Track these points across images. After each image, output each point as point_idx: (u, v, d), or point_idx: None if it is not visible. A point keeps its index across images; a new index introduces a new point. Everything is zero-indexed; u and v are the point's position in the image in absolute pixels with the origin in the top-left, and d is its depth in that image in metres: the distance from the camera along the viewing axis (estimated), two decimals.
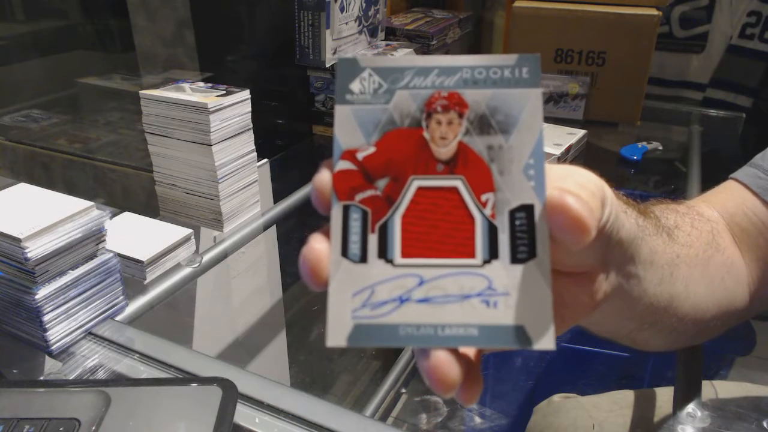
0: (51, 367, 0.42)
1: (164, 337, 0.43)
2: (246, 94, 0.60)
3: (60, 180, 0.71)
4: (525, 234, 0.19)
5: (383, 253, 0.19)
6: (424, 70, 0.20)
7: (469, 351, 0.20)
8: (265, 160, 0.69)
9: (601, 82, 0.94)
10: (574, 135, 0.84)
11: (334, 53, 0.86)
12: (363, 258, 0.19)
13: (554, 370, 0.71)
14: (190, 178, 0.60)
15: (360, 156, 0.19)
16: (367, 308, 0.18)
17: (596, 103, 0.94)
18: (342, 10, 0.85)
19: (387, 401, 0.56)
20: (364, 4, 0.90)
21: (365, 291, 0.18)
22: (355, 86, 0.20)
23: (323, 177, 0.19)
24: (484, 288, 0.18)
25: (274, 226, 0.69)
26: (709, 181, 0.45)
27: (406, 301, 0.18)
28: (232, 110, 0.58)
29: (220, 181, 0.59)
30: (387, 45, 0.98)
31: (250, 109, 0.60)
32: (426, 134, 0.19)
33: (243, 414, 0.36)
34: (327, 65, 0.86)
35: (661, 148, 0.90)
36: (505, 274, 0.18)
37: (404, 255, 0.19)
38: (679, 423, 0.38)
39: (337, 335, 0.18)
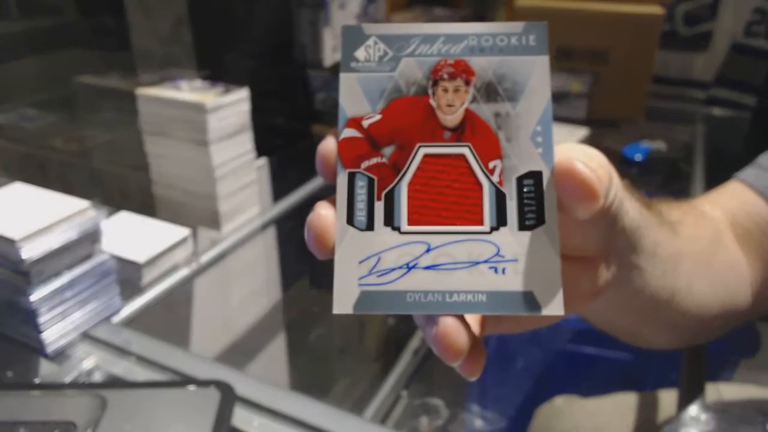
0: (47, 369, 0.41)
1: (161, 339, 0.43)
2: (244, 92, 0.59)
3: (56, 180, 0.71)
4: (533, 201, 0.18)
5: (390, 220, 0.19)
6: (430, 38, 0.20)
7: (473, 323, 0.20)
8: (264, 159, 0.69)
9: (604, 81, 0.93)
10: (576, 133, 0.84)
11: (334, 51, 0.85)
12: (369, 226, 0.19)
13: (556, 373, 0.70)
14: (187, 178, 0.59)
15: (366, 123, 0.19)
16: (373, 275, 0.18)
17: (599, 101, 0.94)
18: (341, 7, 0.84)
19: (387, 404, 0.55)
20: (363, 2, 0.90)
21: (372, 258, 0.18)
22: (361, 54, 0.20)
23: (329, 144, 0.19)
24: (492, 255, 0.18)
25: (273, 226, 0.68)
26: (714, 181, 0.44)
27: (413, 268, 0.18)
28: (230, 109, 0.58)
29: (218, 180, 0.58)
30: None
31: (248, 107, 0.60)
32: (432, 102, 0.19)
33: (241, 417, 0.36)
34: (326, 64, 0.85)
35: (664, 147, 0.90)
36: (513, 240, 0.18)
37: (411, 222, 0.19)
38: (682, 426, 0.38)
39: (343, 303, 0.18)
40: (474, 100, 0.19)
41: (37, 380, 0.41)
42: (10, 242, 0.38)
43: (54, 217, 0.40)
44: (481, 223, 0.19)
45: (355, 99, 0.19)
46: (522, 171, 0.19)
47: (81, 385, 0.39)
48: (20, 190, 0.44)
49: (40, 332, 0.40)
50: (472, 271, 0.18)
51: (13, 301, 0.40)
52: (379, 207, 0.19)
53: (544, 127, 0.19)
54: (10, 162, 0.72)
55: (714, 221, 0.37)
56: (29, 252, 0.38)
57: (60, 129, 0.74)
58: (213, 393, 0.35)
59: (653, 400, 0.50)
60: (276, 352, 0.76)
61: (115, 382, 0.39)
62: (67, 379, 0.40)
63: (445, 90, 0.19)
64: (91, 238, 0.42)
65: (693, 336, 0.37)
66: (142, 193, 0.65)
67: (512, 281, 0.18)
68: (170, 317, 0.57)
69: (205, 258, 0.56)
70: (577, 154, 0.19)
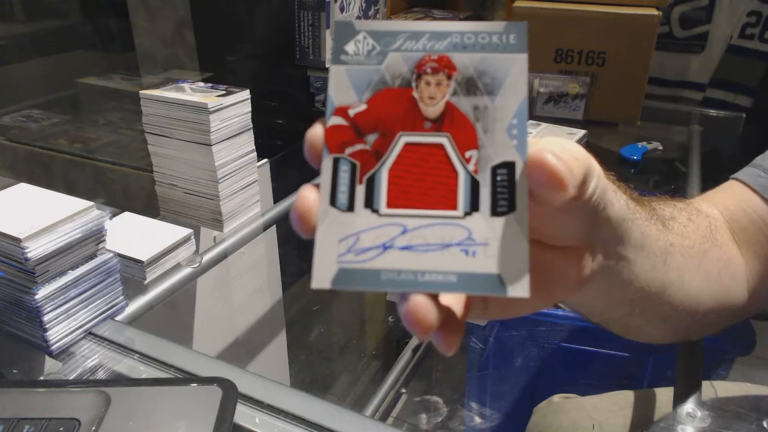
0: (51, 367, 0.42)
1: (164, 337, 0.43)
2: (246, 94, 0.60)
3: (60, 180, 0.71)
4: (505, 189, 0.20)
5: (369, 203, 0.20)
6: (416, 34, 0.21)
7: (455, 303, 0.21)
8: (265, 160, 0.69)
9: (601, 82, 0.94)
10: (574, 135, 0.84)
11: None
12: (350, 207, 0.20)
13: (554, 371, 0.71)
14: (190, 178, 0.60)
15: (351, 112, 0.20)
16: (351, 253, 0.19)
17: (596, 103, 0.94)
18: (342, 10, 0.85)
19: (387, 401, 0.56)
20: (364, 4, 0.90)
21: (351, 237, 0.19)
22: (350, 48, 0.21)
23: (316, 131, 0.20)
24: (464, 238, 0.19)
25: (274, 226, 0.69)
26: (710, 181, 0.45)
27: (389, 248, 0.19)
28: (232, 110, 0.58)
29: (220, 181, 0.59)
30: None
31: (250, 109, 0.60)
32: (415, 94, 0.20)
33: (243, 414, 0.36)
34: (327, 65, 0.86)
35: (661, 148, 0.90)
36: (484, 225, 0.19)
37: (389, 205, 0.20)
38: (678, 423, 0.38)
39: (322, 278, 0.19)
40: (455, 93, 0.20)
41: (41, 377, 0.42)
42: (16, 241, 0.38)
43: (59, 216, 0.41)
44: (455, 208, 0.19)
45: (343, 89, 0.21)
46: (497, 161, 0.20)
47: (85, 383, 0.39)
48: (25, 191, 0.45)
49: (45, 330, 0.41)
50: (444, 252, 0.19)
51: (18, 300, 0.40)
52: (360, 190, 0.20)
53: (519, 120, 0.20)
54: (15, 162, 0.72)
55: (709, 218, 0.38)
56: (34, 251, 0.39)
57: (64, 130, 0.74)
58: (215, 390, 0.35)
59: (650, 398, 0.51)
60: (277, 349, 0.76)
61: (118, 380, 0.40)
62: (72, 377, 0.40)
63: (428, 83, 0.20)
64: (95, 237, 0.43)
65: (686, 330, 0.37)
66: (144, 192, 0.65)
67: (482, 263, 0.19)
68: (173, 316, 0.57)
69: (207, 257, 0.57)
70: (552, 146, 0.20)
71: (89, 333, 0.44)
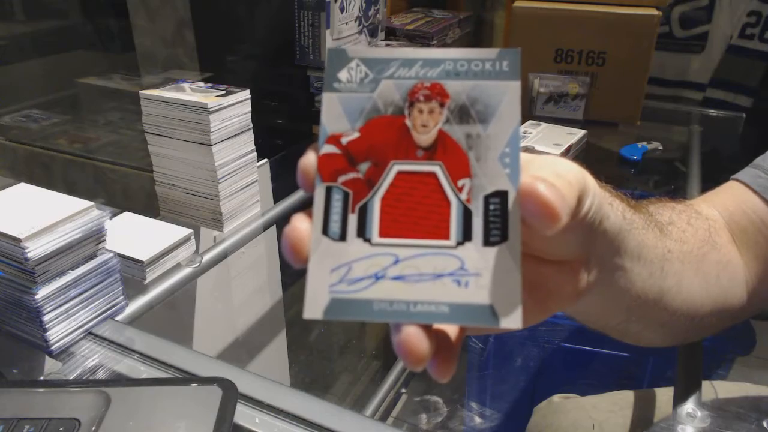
0: (51, 367, 0.42)
1: (164, 337, 0.43)
2: (246, 94, 0.60)
3: (60, 180, 0.71)
4: (498, 218, 0.19)
5: (362, 232, 0.20)
6: (408, 62, 0.21)
7: (449, 330, 0.21)
8: (265, 160, 0.69)
9: (601, 82, 0.94)
10: (574, 135, 0.84)
11: None
12: (342, 236, 0.19)
13: (554, 371, 0.71)
14: (190, 178, 0.60)
15: (344, 141, 0.20)
16: (344, 283, 0.19)
17: (596, 103, 0.94)
18: (342, 10, 0.85)
19: (387, 401, 0.56)
20: (364, 4, 0.90)
21: (343, 267, 0.19)
22: (343, 75, 0.21)
23: (309, 159, 0.20)
24: (457, 268, 0.19)
25: (274, 226, 0.69)
26: (710, 181, 0.45)
27: (381, 278, 0.19)
28: (232, 110, 0.58)
29: (220, 181, 0.59)
30: (387, 45, 0.98)
31: (250, 109, 0.60)
32: (408, 122, 0.20)
33: (243, 414, 0.36)
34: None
35: (661, 148, 0.90)
36: (477, 255, 0.19)
37: (382, 235, 0.20)
38: (678, 423, 0.38)
39: (313, 308, 0.19)
40: (447, 121, 0.20)
41: (41, 377, 0.42)
42: (16, 241, 0.38)
43: (59, 216, 0.41)
44: (447, 237, 0.19)
45: (336, 117, 0.20)
46: (489, 190, 0.19)
47: (85, 383, 0.39)
48: (25, 191, 0.45)
49: (45, 330, 0.41)
50: (436, 283, 0.19)
51: (18, 300, 0.40)
52: (353, 219, 0.19)
53: (512, 148, 0.20)
54: (16, 162, 0.72)
55: (708, 220, 0.37)
56: (34, 251, 0.39)
57: (64, 130, 0.74)
58: (215, 390, 0.35)
59: (650, 398, 0.51)
60: (277, 349, 0.76)
61: (118, 380, 0.40)
62: (72, 377, 0.40)
63: (421, 111, 0.20)
64: (95, 237, 0.43)
65: (685, 334, 0.37)
66: (144, 192, 0.65)
67: (474, 294, 0.19)
68: (173, 316, 0.57)
69: (207, 257, 0.57)
70: (545, 173, 0.19)
71: (89, 333, 0.44)
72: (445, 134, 0.20)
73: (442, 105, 0.20)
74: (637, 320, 0.32)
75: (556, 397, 0.56)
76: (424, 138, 0.20)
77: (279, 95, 0.89)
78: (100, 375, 0.41)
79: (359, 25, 0.91)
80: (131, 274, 0.50)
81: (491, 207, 0.19)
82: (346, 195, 0.20)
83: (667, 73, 1.20)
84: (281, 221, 0.68)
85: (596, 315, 0.31)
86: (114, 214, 0.55)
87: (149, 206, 0.64)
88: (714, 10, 1.13)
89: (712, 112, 1.07)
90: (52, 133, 0.73)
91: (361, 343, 0.85)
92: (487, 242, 0.19)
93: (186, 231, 0.54)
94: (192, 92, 0.58)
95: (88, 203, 0.43)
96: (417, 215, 0.20)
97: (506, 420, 0.66)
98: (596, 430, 0.49)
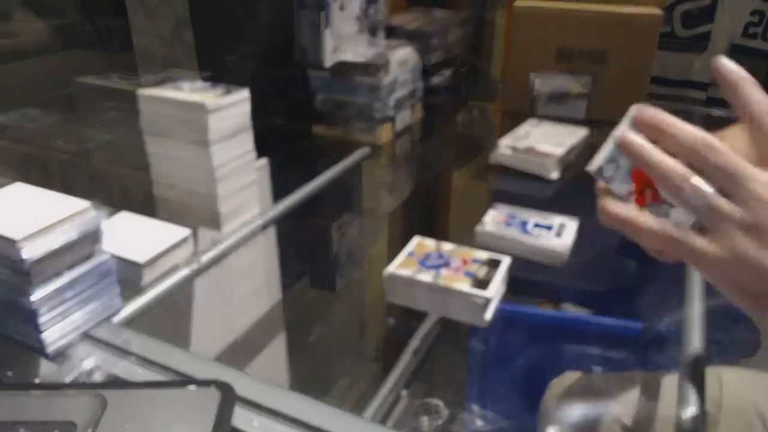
0: (47, 369, 0.41)
1: (161, 339, 0.43)
2: (245, 93, 0.59)
3: (57, 180, 0.71)
4: None
5: None
6: None
7: None
8: (264, 159, 0.69)
9: (603, 82, 0.93)
10: (575, 134, 0.84)
11: (334, 52, 0.85)
12: None
13: (556, 373, 0.70)
14: (188, 178, 0.60)
15: None
16: None
17: (598, 102, 0.94)
18: (342, 9, 0.84)
19: (387, 404, 0.55)
20: (364, 3, 0.90)
21: None
22: None
23: None
24: None
25: (273, 226, 0.68)
26: None
27: None
28: (230, 110, 0.58)
29: (218, 181, 0.58)
30: (387, 44, 0.98)
31: (249, 108, 0.60)
32: None
33: (241, 417, 0.36)
34: (327, 65, 0.85)
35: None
36: None
37: None
38: (683, 408, 0.38)
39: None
40: None
41: (37, 380, 0.41)
42: (11, 242, 0.38)
43: (55, 217, 0.40)
44: None
45: None
46: None
47: (81, 385, 0.39)
48: (21, 191, 0.44)
49: (41, 332, 0.40)
50: None
51: (13, 301, 0.40)
52: None
53: None
54: (12, 162, 0.72)
55: None
56: (30, 252, 0.38)
57: (61, 129, 0.74)
58: (213, 393, 0.35)
59: (656, 383, 0.51)
60: (276, 352, 0.76)
61: (115, 382, 0.39)
62: (68, 379, 0.40)
63: None
64: (91, 238, 0.42)
65: None
66: (142, 193, 0.65)
67: None
68: (170, 317, 0.57)
69: (205, 258, 0.56)
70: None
71: (85, 335, 0.43)
72: None
73: None
74: None
75: (569, 374, 0.56)
76: None
77: (278, 94, 0.89)
78: (97, 377, 0.40)
79: (359, 25, 0.90)
80: (128, 275, 0.50)
81: None
82: None
83: (669, 73, 1.19)
84: (280, 221, 0.68)
85: None
86: (111, 214, 0.54)
87: (147, 206, 0.63)
88: (716, 9, 1.13)
89: (716, 111, 1.06)
90: (49, 133, 0.73)
91: (360, 345, 0.85)
92: None
93: (184, 231, 0.54)
94: (190, 91, 0.58)
95: (84, 203, 0.42)
96: None
97: (508, 422, 0.66)
98: (605, 409, 0.49)
